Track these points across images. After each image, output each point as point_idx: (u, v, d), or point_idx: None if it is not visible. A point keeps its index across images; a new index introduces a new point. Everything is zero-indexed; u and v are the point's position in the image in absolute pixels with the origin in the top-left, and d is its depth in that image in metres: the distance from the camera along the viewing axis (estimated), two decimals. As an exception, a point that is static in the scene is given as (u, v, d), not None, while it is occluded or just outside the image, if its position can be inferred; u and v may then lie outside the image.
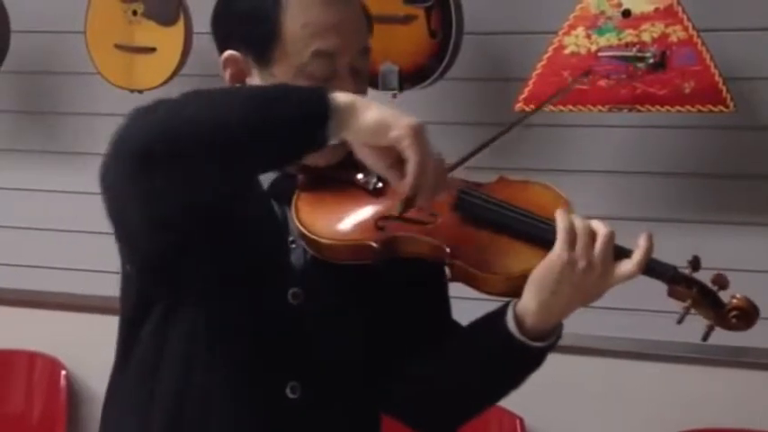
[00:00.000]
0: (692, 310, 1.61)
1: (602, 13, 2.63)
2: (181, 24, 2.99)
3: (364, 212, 1.64)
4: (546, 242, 1.57)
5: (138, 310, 1.71)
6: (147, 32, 3.00)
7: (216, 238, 1.60)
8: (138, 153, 1.45)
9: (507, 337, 1.60)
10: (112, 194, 1.52)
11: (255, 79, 1.66)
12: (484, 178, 1.72)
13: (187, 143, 1.45)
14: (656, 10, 2.60)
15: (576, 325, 3.04)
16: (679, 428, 2.87)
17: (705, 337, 1.64)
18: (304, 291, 1.66)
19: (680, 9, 2.59)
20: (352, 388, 1.71)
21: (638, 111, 2.64)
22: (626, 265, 1.57)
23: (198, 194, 1.49)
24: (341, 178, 1.68)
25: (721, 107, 2.58)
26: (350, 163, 1.65)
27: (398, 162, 1.48)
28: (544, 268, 1.56)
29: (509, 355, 1.62)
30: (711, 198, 2.89)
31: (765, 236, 2.84)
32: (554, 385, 3.02)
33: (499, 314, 1.62)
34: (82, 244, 3.27)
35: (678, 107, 2.60)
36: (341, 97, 1.47)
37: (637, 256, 1.57)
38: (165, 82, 3.00)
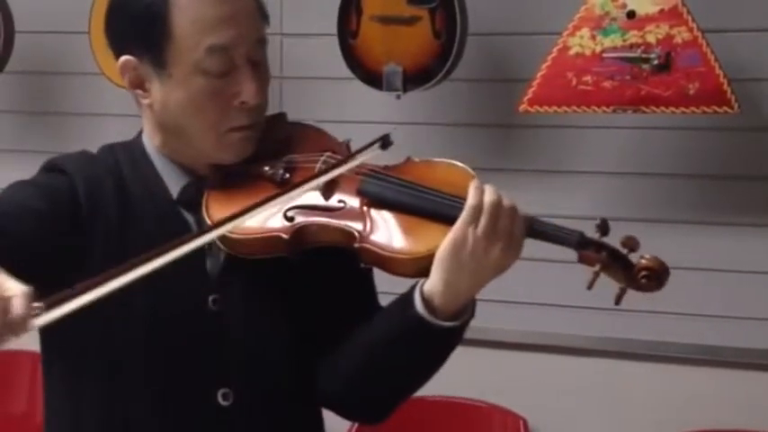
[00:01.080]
0: (603, 274, 1.58)
1: (607, 13, 2.63)
2: (185, 25, 2.99)
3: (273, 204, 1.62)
4: (451, 219, 1.55)
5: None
6: (151, 33, 3.00)
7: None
8: None
9: (417, 319, 1.57)
10: None
11: (155, 84, 1.63)
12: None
13: None
14: (661, 11, 2.59)
15: (580, 327, 3.05)
16: (681, 429, 2.87)
17: (617, 301, 1.61)
18: (222, 296, 1.63)
19: (684, 10, 2.58)
20: (286, 388, 1.69)
21: (643, 112, 2.63)
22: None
23: None
24: (248, 172, 1.66)
25: (726, 108, 2.58)
26: (256, 156, 1.65)
27: None
28: (447, 244, 1.54)
29: (423, 338, 1.58)
30: (716, 199, 2.88)
31: (770, 237, 2.84)
32: (557, 386, 3.02)
33: (408, 296, 1.59)
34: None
35: (683, 108, 2.60)
36: None
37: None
38: (169, 82, 3.00)
